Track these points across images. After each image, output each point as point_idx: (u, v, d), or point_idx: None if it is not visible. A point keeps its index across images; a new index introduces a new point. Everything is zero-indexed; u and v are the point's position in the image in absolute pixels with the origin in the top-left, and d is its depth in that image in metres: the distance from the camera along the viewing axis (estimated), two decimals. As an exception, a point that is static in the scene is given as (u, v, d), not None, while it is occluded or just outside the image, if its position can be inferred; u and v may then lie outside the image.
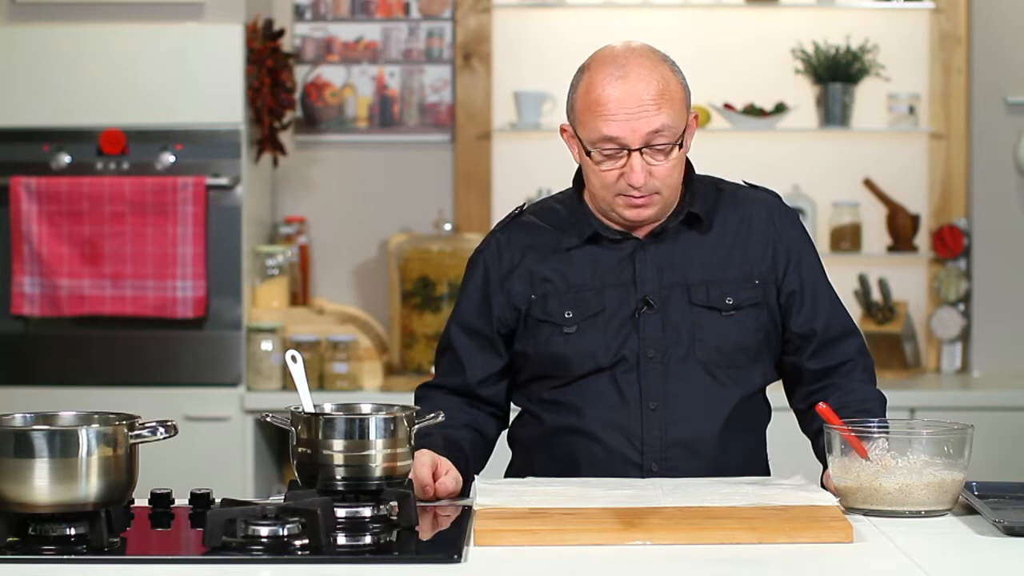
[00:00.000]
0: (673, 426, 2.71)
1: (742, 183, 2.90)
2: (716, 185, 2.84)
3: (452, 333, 2.87)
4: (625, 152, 2.65)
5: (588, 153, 2.69)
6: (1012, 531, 2.27)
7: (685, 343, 2.73)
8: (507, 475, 2.90)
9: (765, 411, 2.83)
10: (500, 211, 5.14)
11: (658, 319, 2.73)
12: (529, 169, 5.14)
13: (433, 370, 2.93)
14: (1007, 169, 5.07)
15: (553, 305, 2.77)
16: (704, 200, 2.79)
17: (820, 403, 2.54)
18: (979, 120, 5.08)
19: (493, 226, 2.95)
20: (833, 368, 2.80)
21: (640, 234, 2.77)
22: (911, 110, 5.07)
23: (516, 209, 2.90)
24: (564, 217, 2.82)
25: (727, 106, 5.04)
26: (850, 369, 2.81)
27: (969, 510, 2.46)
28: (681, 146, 2.69)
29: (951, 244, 5.03)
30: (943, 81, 5.09)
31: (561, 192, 2.89)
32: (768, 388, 2.84)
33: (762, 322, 2.78)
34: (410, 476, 2.46)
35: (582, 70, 2.72)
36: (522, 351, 2.81)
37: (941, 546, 2.28)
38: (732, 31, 5.13)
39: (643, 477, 2.68)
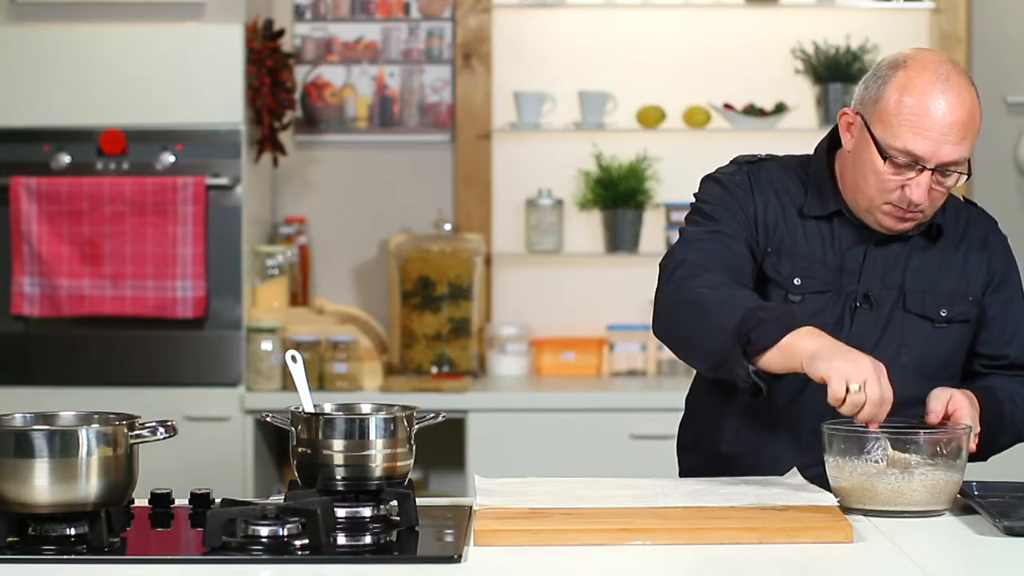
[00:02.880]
0: None
1: (961, 198, 2.85)
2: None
3: (702, 231, 2.70)
4: (917, 168, 2.58)
5: (883, 155, 2.60)
6: (1012, 531, 2.27)
7: (892, 347, 2.68)
8: (679, 441, 2.89)
9: None
10: (500, 211, 5.15)
11: (871, 317, 2.70)
12: (529, 169, 5.14)
13: (675, 256, 2.68)
14: (1007, 169, 5.07)
15: (785, 265, 2.71)
16: (938, 212, 2.74)
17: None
18: (979, 120, 5.07)
19: (734, 157, 2.82)
20: (1003, 373, 2.76)
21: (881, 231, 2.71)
22: (911, 110, 5.06)
23: (760, 155, 2.81)
24: (808, 181, 2.75)
25: (727, 106, 5.04)
26: (1017, 375, 2.76)
27: (969, 510, 2.45)
28: (968, 175, 2.62)
29: (951, 244, 5.03)
30: (943, 81, 5.08)
31: (805, 155, 2.81)
32: None
33: (968, 339, 2.75)
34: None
35: (896, 66, 2.61)
36: None
37: (941, 546, 2.28)
38: (732, 31, 5.13)
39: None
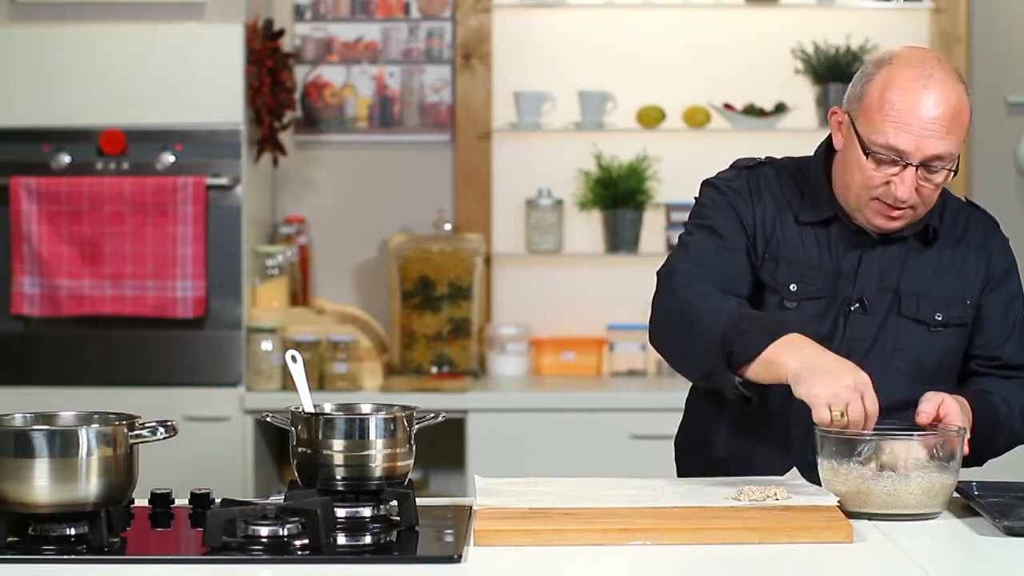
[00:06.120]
0: None
1: (963, 199, 2.84)
2: (943, 198, 2.77)
3: (713, 242, 2.71)
4: (901, 164, 2.58)
5: (865, 151, 2.60)
6: (1012, 531, 2.27)
7: (887, 351, 2.68)
8: (677, 445, 2.90)
9: None
10: (500, 211, 5.15)
11: (866, 322, 2.69)
12: (529, 169, 5.14)
13: (670, 265, 2.71)
14: (1007, 169, 5.07)
15: (782, 272, 2.71)
16: (935, 214, 2.74)
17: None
18: (979, 120, 5.07)
19: (734, 161, 2.82)
20: (998, 374, 2.75)
21: (875, 233, 2.70)
22: (911, 110, 5.07)
23: (761, 158, 2.80)
24: (805, 186, 2.75)
25: (727, 106, 5.04)
26: (1013, 376, 2.75)
27: (969, 510, 2.45)
28: (953, 172, 2.61)
29: (951, 244, 5.03)
30: (943, 81, 5.08)
31: (803, 158, 2.80)
32: None
33: (964, 342, 2.74)
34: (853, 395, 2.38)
35: (880, 64, 2.61)
36: None
37: (941, 546, 2.28)
38: (732, 31, 5.13)
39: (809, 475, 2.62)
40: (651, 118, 5.04)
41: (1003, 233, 2.84)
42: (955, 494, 2.47)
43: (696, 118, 5.03)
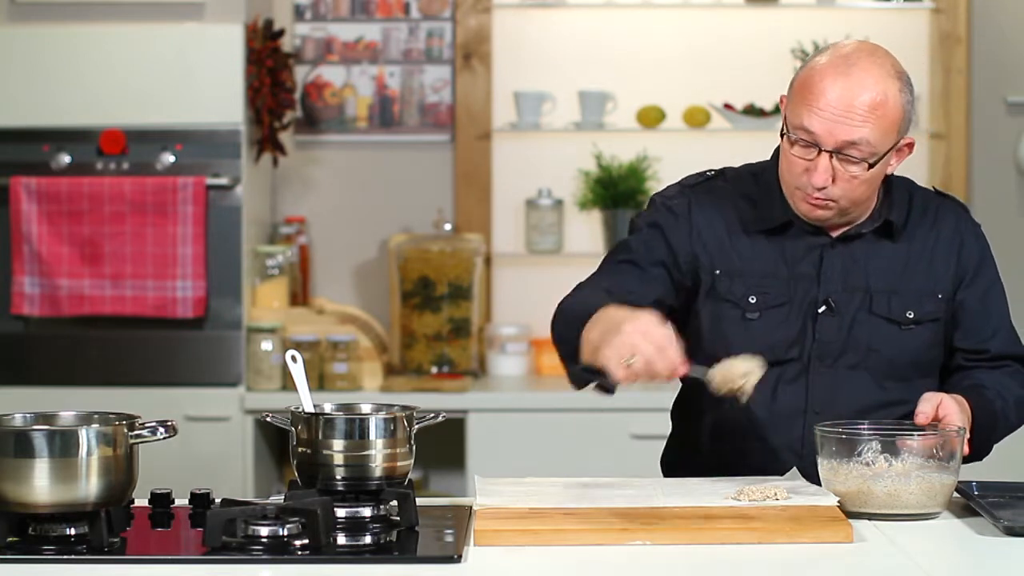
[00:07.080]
0: None
1: (931, 189, 2.82)
2: (909, 191, 2.76)
3: (617, 258, 2.74)
4: (816, 149, 2.58)
5: (782, 133, 2.63)
6: (1012, 531, 2.27)
7: (859, 351, 2.67)
8: (664, 459, 2.89)
9: None
10: (500, 211, 5.15)
11: (835, 322, 2.67)
12: (529, 169, 5.14)
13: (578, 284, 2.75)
14: (1007, 169, 5.07)
15: (738, 285, 2.69)
16: (899, 208, 2.72)
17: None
18: (979, 120, 5.07)
19: (682, 178, 2.83)
20: (986, 366, 2.74)
21: (833, 233, 2.70)
22: (911, 110, 5.07)
23: (710, 171, 2.80)
24: (758, 192, 2.74)
25: (727, 106, 5.04)
26: (1001, 366, 2.74)
27: (969, 510, 2.45)
28: (872, 166, 2.58)
29: (951, 244, 5.03)
30: (943, 81, 5.09)
31: (759, 163, 2.81)
32: None
33: (939, 338, 2.72)
34: (644, 344, 2.30)
35: (817, 53, 2.65)
36: (695, 328, 2.70)
37: (941, 546, 2.29)
38: (732, 31, 5.13)
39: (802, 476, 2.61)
40: (651, 118, 5.04)
41: (973, 219, 2.81)
42: (955, 494, 2.47)
43: (696, 118, 5.03)
